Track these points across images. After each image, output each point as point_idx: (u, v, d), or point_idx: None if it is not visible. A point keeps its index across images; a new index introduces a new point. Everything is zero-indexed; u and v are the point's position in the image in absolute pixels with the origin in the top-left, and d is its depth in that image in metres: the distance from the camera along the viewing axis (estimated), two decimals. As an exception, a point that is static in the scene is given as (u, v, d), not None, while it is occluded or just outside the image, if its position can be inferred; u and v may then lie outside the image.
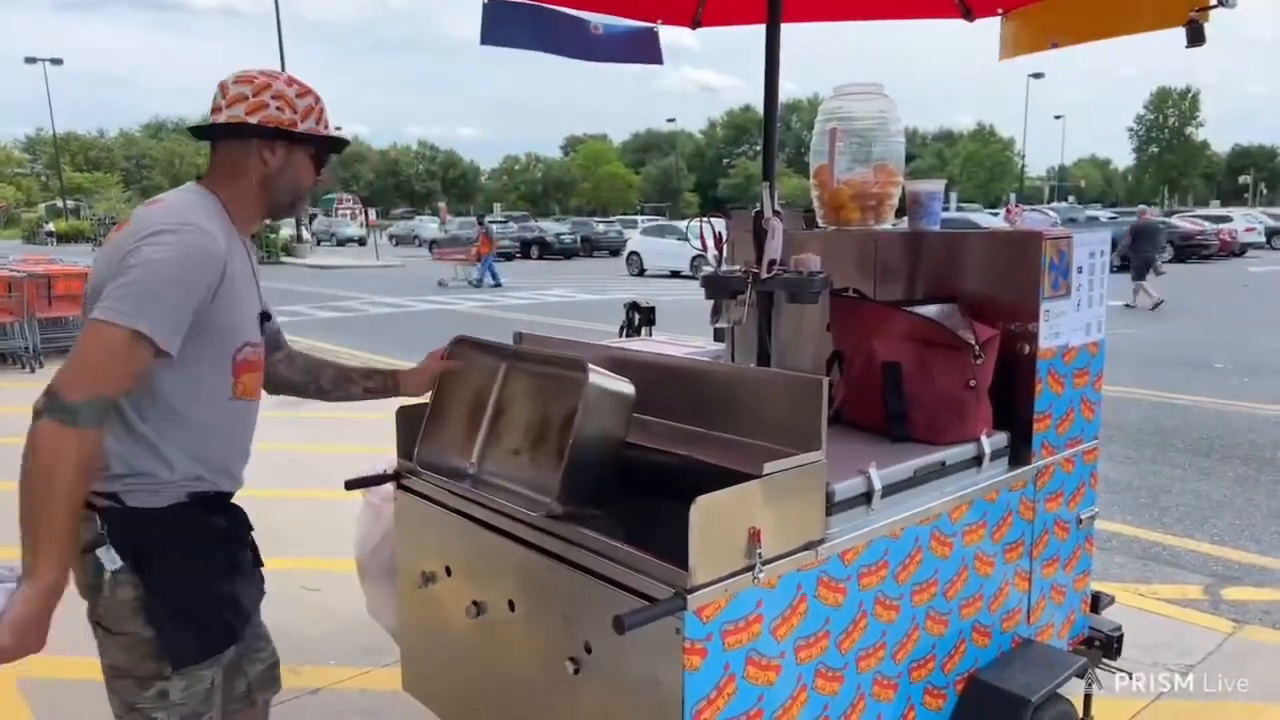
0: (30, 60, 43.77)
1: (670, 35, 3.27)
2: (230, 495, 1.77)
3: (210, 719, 1.72)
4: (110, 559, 1.57)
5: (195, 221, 1.58)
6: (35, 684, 3.06)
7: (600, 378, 1.70)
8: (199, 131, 1.68)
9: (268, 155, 1.67)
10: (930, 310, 2.15)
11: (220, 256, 1.58)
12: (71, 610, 3.50)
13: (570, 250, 31.19)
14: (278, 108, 1.65)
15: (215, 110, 1.66)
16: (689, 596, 1.48)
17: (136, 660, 1.62)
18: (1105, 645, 2.57)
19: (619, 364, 2.21)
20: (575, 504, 1.70)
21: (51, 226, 44.68)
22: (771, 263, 2.13)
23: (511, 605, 1.90)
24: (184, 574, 1.65)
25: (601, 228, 34.72)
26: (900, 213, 2.54)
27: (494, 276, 20.10)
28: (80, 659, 3.18)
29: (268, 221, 1.80)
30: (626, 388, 1.75)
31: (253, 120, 1.64)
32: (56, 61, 44.52)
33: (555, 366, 1.92)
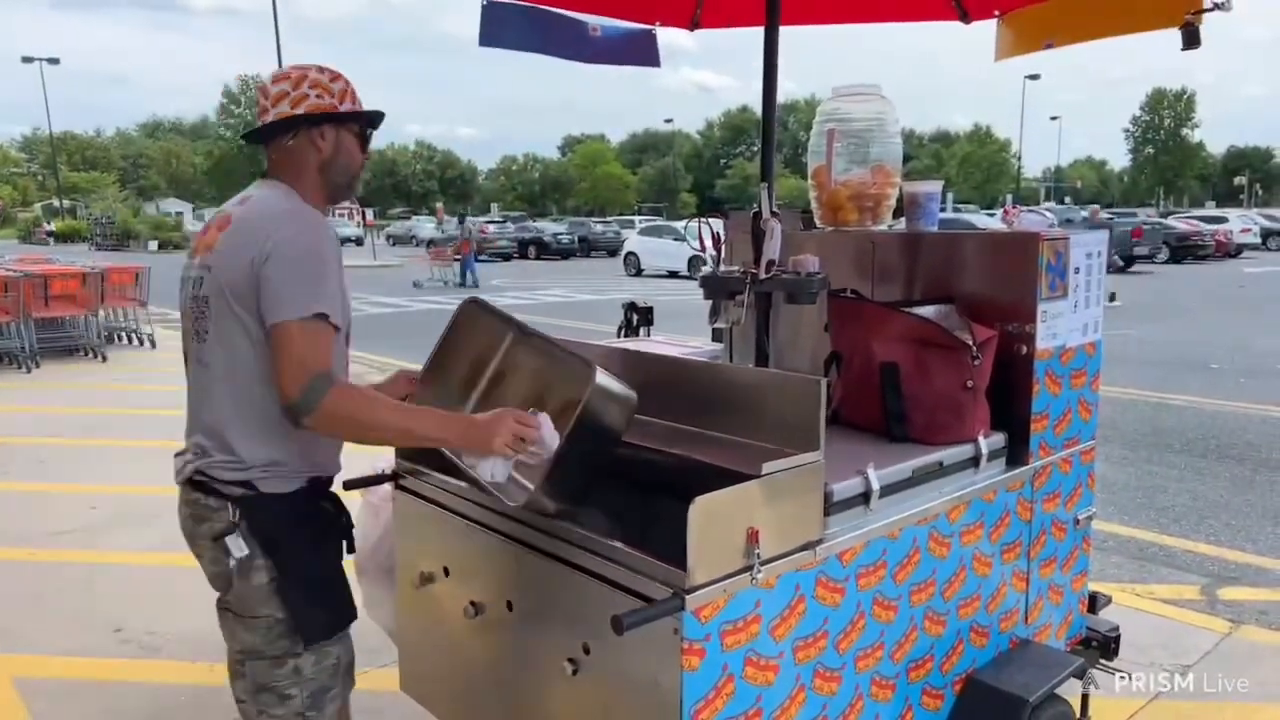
0: (27, 60, 43.65)
1: (668, 36, 3.28)
2: (332, 481, 1.84)
3: (338, 695, 1.79)
4: (238, 547, 1.65)
5: (306, 207, 1.71)
6: (31, 683, 3.05)
7: (606, 378, 1.70)
8: (252, 136, 1.77)
9: (320, 141, 1.75)
10: (928, 311, 2.15)
11: (336, 236, 1.71)
12: (66, 609, 3.48)
13: (568, 250, 31.20)
14: (318, 95, 1.73)
15: (262, 112, 1.75)
16: (687, 597, 1.48)
17: (270, 640, 1.70)
18: (1103, 645, 2.58)
19: (617, 363, 2.21)
20: (557, 499, 1.70)
21: (51, 226, 44.61)
22: (770, 263, 2.13)
23: (510, 606, 1.90)
24: (312, 555, 1.75)
25: (599, 228, 34.72)
26: (898, 214, 2.54)
27: (472, 276, 19.91)
28: (74, 659, 3.20)
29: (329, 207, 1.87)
30: (630, 393, 1.75)
31: (299, 112, 1.72)
32: (53, 61, 44.42)
33: (563, 354, 1.92)
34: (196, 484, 1.72)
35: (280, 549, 1.68)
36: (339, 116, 1.75)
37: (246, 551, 1.66)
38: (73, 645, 3.32)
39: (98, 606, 3.63)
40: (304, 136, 1.74)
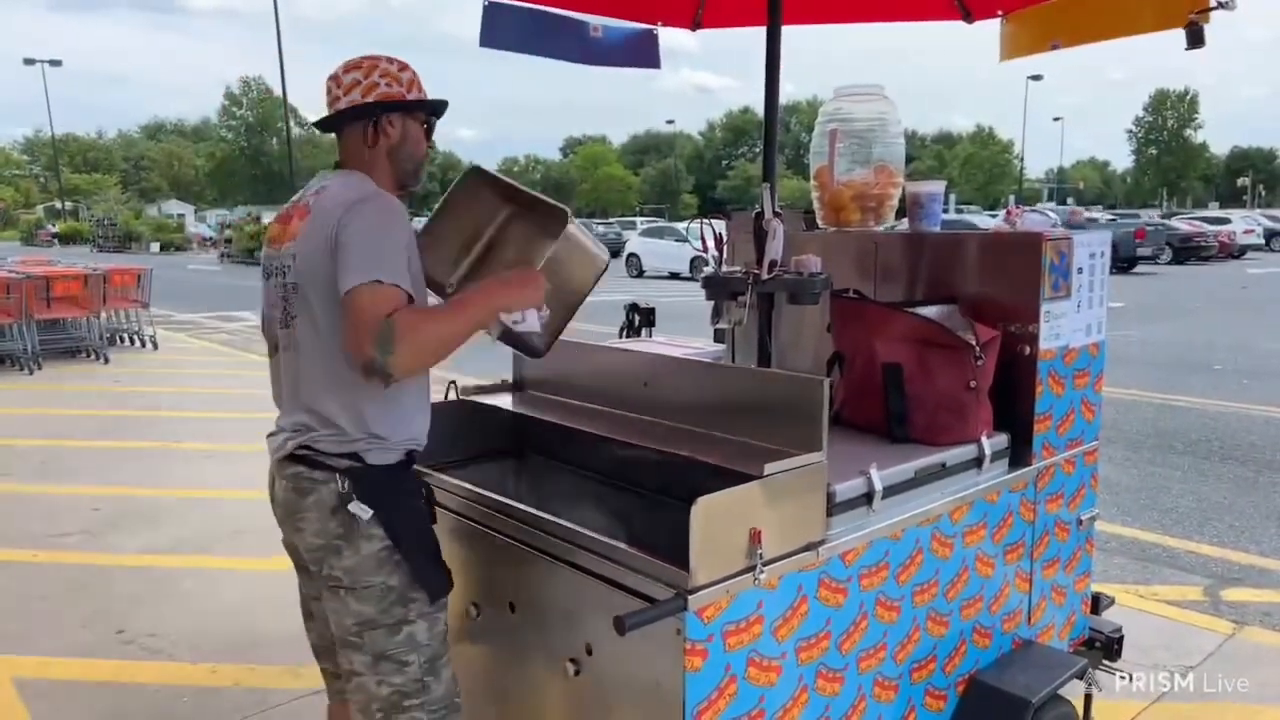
0: (29, 61, 43.78)
1: (668, 36, 3.27)
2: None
3: (449, 661, 1.82)
4: (363, 510, 1.68)
5: (380, 190, 1.75)
6: (32, 684, 3.06)
7: (579, 229, 1.79)
8: (325, 123, 1.82)
9: (389, 128, 1.80)
10: (931, 311, 2.15)
11: (408, 217, 1.75)
12: (68, 611, 3.49)
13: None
14: (387, 84, 1.78)
15: (334, 101, 1.79)
16: (690, 597, 1.47)
17: (385, 608, 1.72)
18: (1106, 646, 2.57)
19: (621, 363, 2.21)
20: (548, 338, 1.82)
21: (55, 228, 44.68)
22: (772, 264, 2.13)
23: (511, 607, 1.90)
24: (421, 521, 1.80)
25: (601, 229, 34.71)
26: (900, 214, 2.54)
27: None
28: (75, 661, 3.20)
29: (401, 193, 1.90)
30: (602, 252, 1.86)
31: (370, 99, 1.78)
32: (55, 63, 44.52)
33: (544, 210, 1.94)
34: (299, 458, 1.74)
35: (391, 515, 1.72)
36: (407, 105, 1.81)
37: (370, 513, 1.69)
38: (74, 647, 3.33)
39: (100, 608, 3.64)
40: (369, 128, 1.79)
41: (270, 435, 1.83)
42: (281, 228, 1.81)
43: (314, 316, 1.71)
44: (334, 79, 1.80)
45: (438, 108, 1.88)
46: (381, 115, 1.79)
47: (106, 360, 9.73)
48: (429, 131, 1.89)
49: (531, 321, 1.74)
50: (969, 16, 3.02)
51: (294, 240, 1.74)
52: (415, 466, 1.84)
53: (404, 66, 1.83)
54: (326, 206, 1.72)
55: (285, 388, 1.81)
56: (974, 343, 2.04)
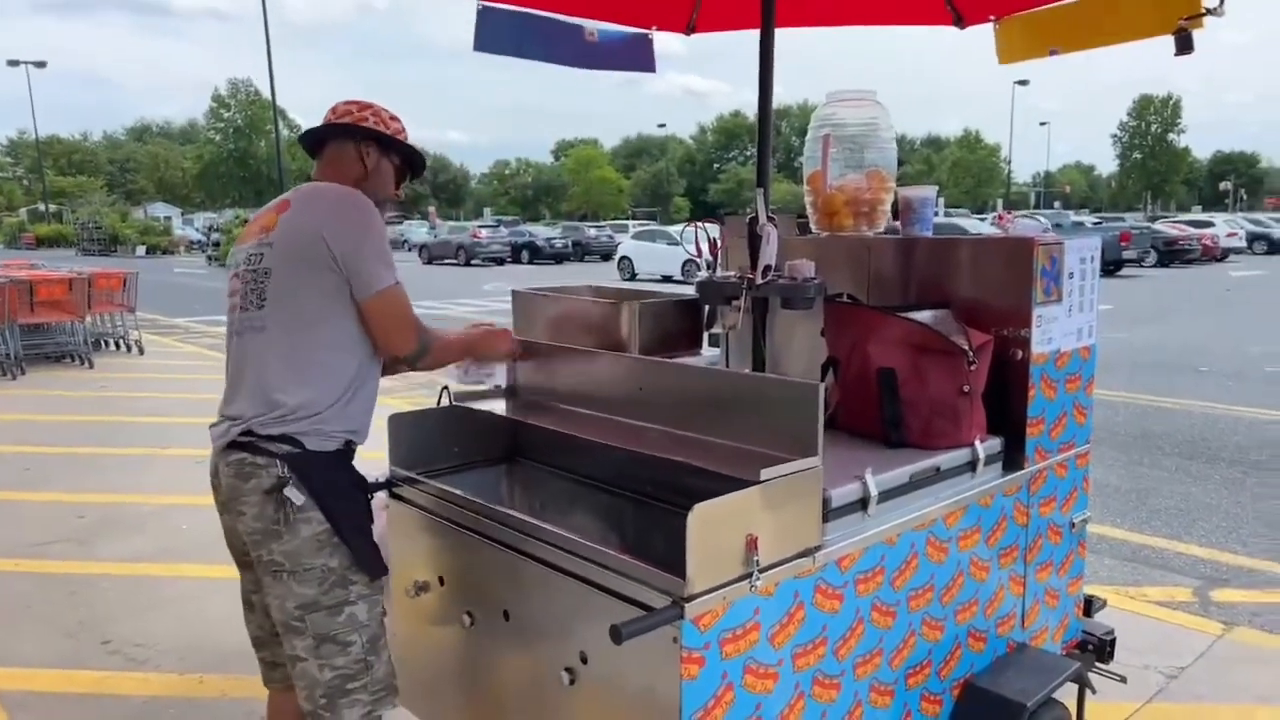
0: (14, 63, 43.38)
1: (657, 41, 3.27)
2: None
3: (386, 644, 1.90)
4: (296, 495, 1.76)
5: (356, 190, 1.90)
6: (17, 696, 3.01)
7: None
8: (310, 133, 1.98)
9: (365, 157, 1.97)
10: (924, 316, 2.15)
11: None
12: (52, 620, 3.44)
13: (561, 255, 31.17)
14: (375, 123, 1.98)
15: (326, 123, 1.98)
16: (686, 605, 1.46)
17: (326, 589, 1.79)
18: (1099, 649, 2.58)
19: (615, 368, 2.20)
20: None
21: (30, 232, 44.22)
22: (766, 268, 2.12)
23: (506, 615, 1.88)
24: (357, 505, 1.89)
25: (592, 232, 34.71)
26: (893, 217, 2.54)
27: None
28: (59, 671, 3.16)
29: None
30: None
31: (351, 123, 1.97)
32: (40, 64, 44.14)
33: None
34: (241, 445, 1.81)
35: (329, 500, 1.79)
36: (383, 140, 1.98)
37: (304, 498, 1.76)
38: (59, 657, 3.28)
39: (84, 617, 3.59)
40: (351, 148, 1.96)
41: (213, 425, 1.90)
42: (254, 225, 1.92)
43: (290, 299, 1.80)
44: (332, 108, 1.99)
45: (414, 157, 2.06)
46: (360, 141, 1.96)
47: (91, 365, 9.64)
48: (399, 178, 2.06)
49: (499, 375, 2.06)
50: (960, 21, 3.03)
51: (268, 232, 1.86)
52: (410, 474, 1.88)
53: (396, 118, 2.02)
54: (314, 200, 1.86)
55: (233, 373, 1.89)
56: (967, 347, 2.05)
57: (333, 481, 1.83)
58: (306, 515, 1.77)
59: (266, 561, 1.80)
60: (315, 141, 2.00)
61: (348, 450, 1.89)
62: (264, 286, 1.83)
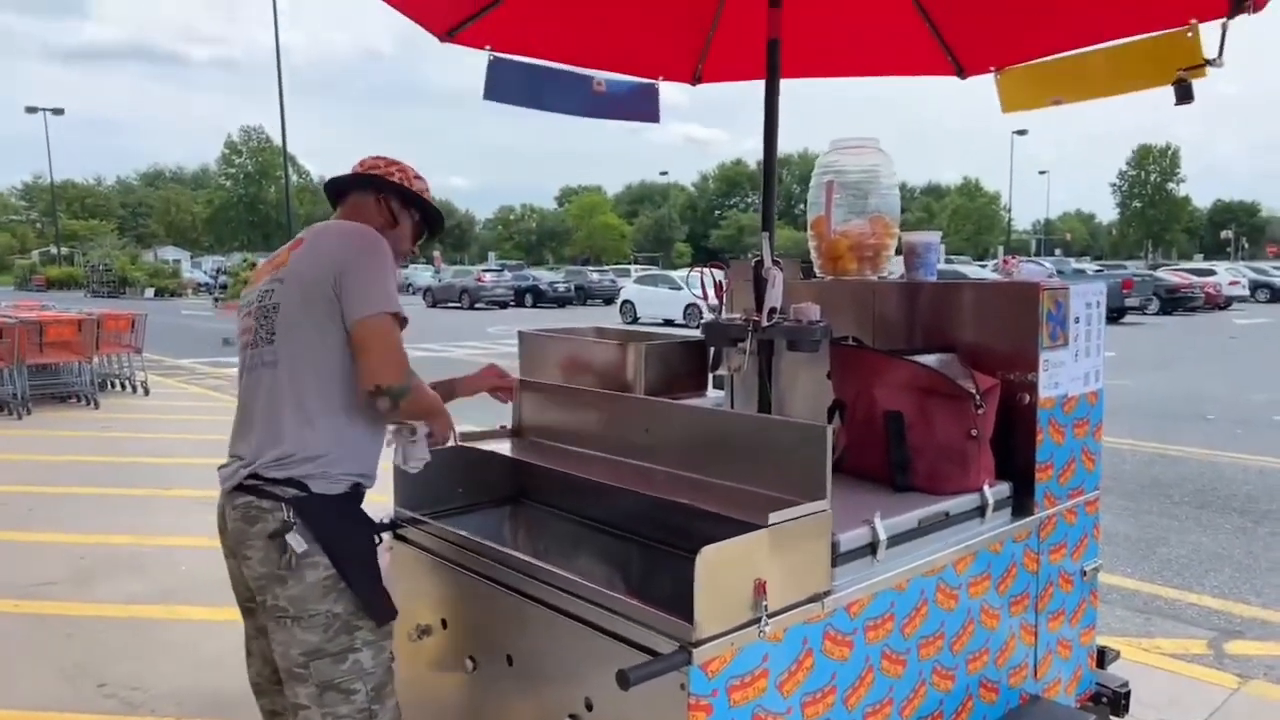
0: (31, 110, 44.32)
1: (661, 91, 3.33)
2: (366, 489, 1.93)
3: (392, 691, 1.86)
4: (298, 542, 1.72)
5: (369, 228, 1.90)
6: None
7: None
8: (335, 182, 2.01)
9: (384, 209, 1.99)
10: (930, 359, 2.15)
11: None
12: (50, 662, 3.40)
13: (564, 299, 31.36)
14: (399, 178, 2.01)
15: (352, 173, 2.02)
16: (694, 650, 1.44)
17: (330, 637, 1.76)
18: (1113, 702, 2.52)
19: (621, 409, 2.20)
20: None
21: (42, 274, 44.67)
22: (772, 311, 2.14)
23: (509, 660, 1.86)
24: (363, 549, 1.85)
25: (595, 276, 34.94)
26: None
27: None
28: (55, 715, 3.10)
29: None
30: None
31: (375, 173, 2.01)
32: (58, 111, 45.09)
33: None
34: (247, 488, 1.79)
35: (335, 544, 1.76)
36: (404, 193, 2.00)
37: (306, 547, 1.73)
38: (55, 700, 3.23)
39: (81, 659, 3.54)
40: (373, 200, 1.98)
41: (222, 466, 1.88)
42: (267, 265, 1.94)
43: (298, 334, 1.80)
44: (360, 161, 2.03)
45: (432, 215, 2.07)
46: (381, 192, 1.98)
47: (96, 405, 9.65)
48: (417, 234, 2.08)
49: (421, 446, 1.95)
50: (962, 72, 3.09)
51: (280, 269, 1.86)
52: (414, 514, 1.85)
53: (420, 178, 2.06)
54: (325, 236, 1.87)
55: (242, 410, 1.88)
56: (974, 391, 2.04)
57: (339, 525, 1.79)
58: (312, 560, 1.74)
59: (271, 607, 1.77)
60: (338, 191, 2.02)
61: (355, 493, 1.86)
62: (273, 321, 1.82)
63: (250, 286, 1.96)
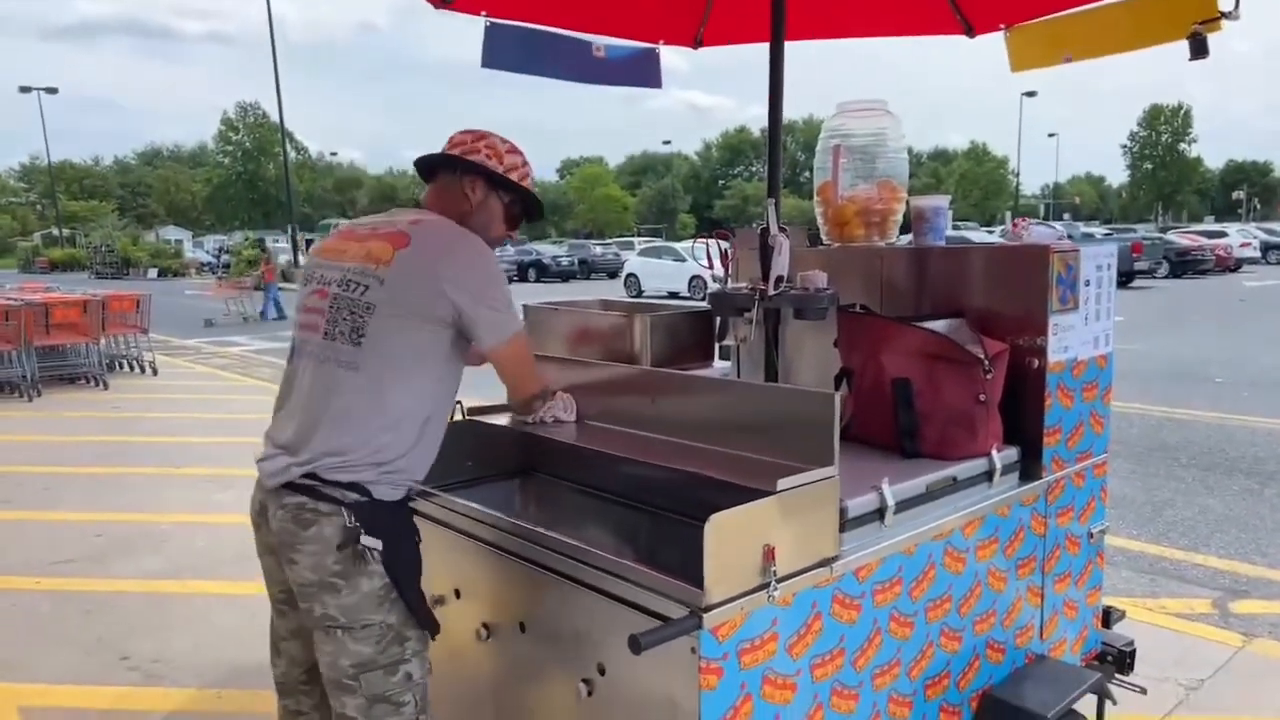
0: (25, 89, 44.07)
1: (662, 56, 3.29)
2: None
3: (427, 689, 1.80)
4: (375, 542, 1.66)
5: (474, 235, 1.80)
6: (36, 713, 3.02)
7: None
8: (425, 160, 1.89)
9: (469, 192, 1.86)
10: (938, 325, 2.15)
11: None
12: (71, 637, 3.46)
13: (568, 273, 31.26)
14: (486, 155, 1.86)
15: (443, 153, 1.88)
16: (705, 615, 1.46)
17: (384, 648, 1.69)
18: (1118, 661, 2.55)
19: (627, 381, 2.21)
20: None
21: (45, 256, 44.70)
22: (778, 279, 2.13)
23: (522, 627, 1.88)
24: (413, 555, 1.78)
25: (599, 250, 34.80)
26: (904, 229, 2.55)
27: (277, 308, 17.53)
28: (79, 688, 3.16)
29: None
30: None
31: (457, 154, 1.86)
32: (51, 90, 44.84)
33: None
34: (300, 488, 1.68)
35: (392, 552, 1.69)
36: (490, 176, 1.85)
37: (382, 544, 1.66)
38: (78, 674, 3.29)
39: (103, 634, 3.60)
40: (458, 182, 1.85)
41: (262, 460, 1.75)
42: (356, 245, 1.77)
43: (392, 345, 1.69)
44: (450, 136, 1.89)
45: (527, 198, 1.92)
46: (464, 175, 1.85)
47: (106, 386, 9.71)
48: (511, 220, 1.93)
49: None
50: (971, 30, 3.05)
51: (383, 266, 1.71)
52: (424, 487, 1.84)
53: (514, 151, 1.90)
54: (428, 240, 1.74)
55: (299, 399, 1.76)
56: (983, 356, 2.04)
57: (396, 532, 1.72)
58: (369, 569, 1.66)
59: (319, 616, 1.68)
60: (429, 168, 1.90)
61: (408, 498, 1.80)
62: (364, 323, 1.69)
63: (324, 259, 1.80)
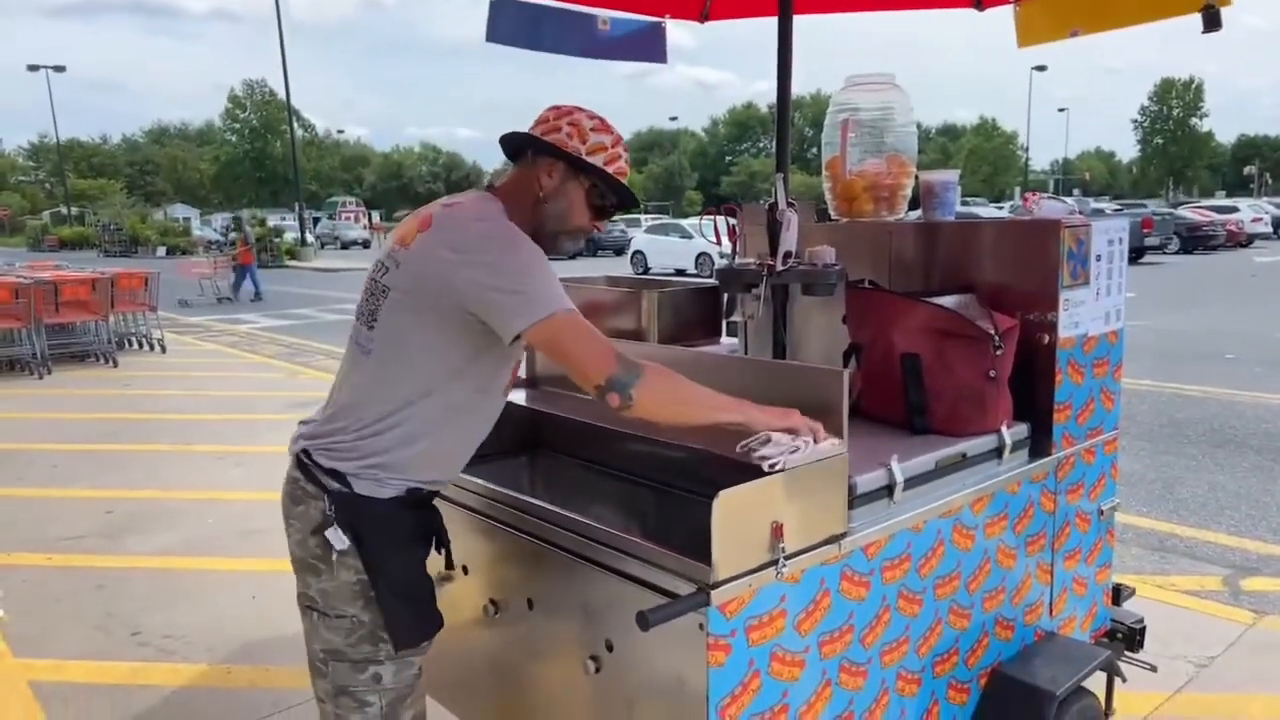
0: (33, 68, 43.94)
1: (667, 32, 3.24)
2: (434, 495, 1.78)
3: (414, 702, 1.73)
4: (339, 539, 1.60)
5: (508, 222, 1.62)
6: (48, 688, 3.06)
7: None
8: (510, 139, 1.71)
9: (544, 177, 1.66)
10: (948, 301, 2.12)
11: None
12: (83, 613, 3.49)
13: (574, 250, 31.12)
14: (568, 134, 1.64)
15: (527, 133, 1.69)
16: (713, 592, 1.46)
17: (354, 643, 1.65)
18: (1128, 638, 2.55)
19: (636, 357, 2.19)
20: None
21: (54, 234, 44.80)
22: (787, 255, 2.11)
23: (530, 604, 1.89)
24: (398, 560, 1.67)
25: (605, 226, 34.62)
26: (913, 205, 2.52)
27: (255, 288, 17.20)
28: (91, 663, 3.20)
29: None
30: None
31: (536, 133, 1.67)
32: (59, 69, 44.67)
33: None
34: (301, 463, 1.67)
35: (373, 551, 1.62)
36: (569, 159, 1.65)
37: (346, 545, 1.60)
38: (90, 649, 3.33)
39: (114, 610, 3.64)
40: (538, 165, 1.66)
41: (302, 421, 1.77)
42: (405, 229, 1.68)
43: (396, 329, 1.62)
44: (541, 113, 1.71)
45: (616, 186, 1.68)
46: (539, 158, 1.66)
47: (115, 364, 9.75)
48: (595, 210, 1.71)
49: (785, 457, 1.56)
50: (980, 4, 2.99)
51: (404, 247, 1.63)
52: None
53: (602, 130, 1.67)
54: (448, 224, 1.61)
55: (337, 378, 1.74)
56: (993, 332, 2.02)
57: (381, 531, 1.63)
58: (348, 561, 1.61)
59: (301, 593, 1.69)
60: (515, 148, 1.73)
61: (409, 498, 1.66)
62: (378, 306, 1.64)
63: (388, 244, 1.71)
